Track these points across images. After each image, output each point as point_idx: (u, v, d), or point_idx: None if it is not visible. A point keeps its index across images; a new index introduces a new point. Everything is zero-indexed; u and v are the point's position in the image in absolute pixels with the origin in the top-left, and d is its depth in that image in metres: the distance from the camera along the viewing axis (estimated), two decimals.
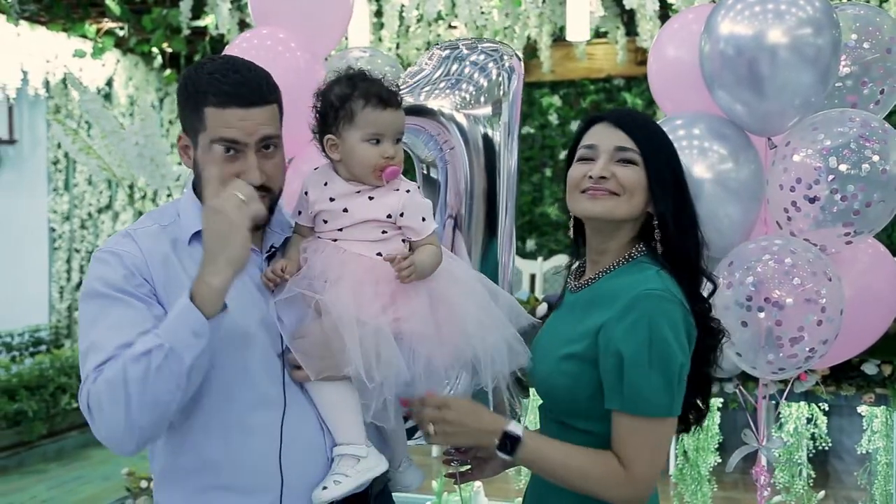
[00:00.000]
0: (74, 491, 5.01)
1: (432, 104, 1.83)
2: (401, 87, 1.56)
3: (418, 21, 5.39)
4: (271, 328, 1.48)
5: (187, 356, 1.33)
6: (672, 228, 1.49)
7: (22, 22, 5.58)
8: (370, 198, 1.49)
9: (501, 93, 1.85)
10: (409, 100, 1.77)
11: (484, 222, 1.87)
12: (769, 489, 3.30)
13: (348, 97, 1.48)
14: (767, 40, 1.90)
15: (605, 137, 1.50)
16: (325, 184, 1.52)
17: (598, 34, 5.84)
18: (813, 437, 3.21)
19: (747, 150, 2.07)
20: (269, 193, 1.49)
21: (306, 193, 1.53)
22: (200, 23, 5.36)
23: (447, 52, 1.88)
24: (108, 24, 5.89)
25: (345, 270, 1.46)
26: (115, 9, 5.23)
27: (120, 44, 6.19)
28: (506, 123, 1.85)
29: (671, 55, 2.31)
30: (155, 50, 6.02)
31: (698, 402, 1.56)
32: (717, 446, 3.17)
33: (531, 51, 5.85)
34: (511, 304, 1.62)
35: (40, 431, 5.75)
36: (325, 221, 1.51)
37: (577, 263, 1.65)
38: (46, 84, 6.20)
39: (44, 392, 5.86)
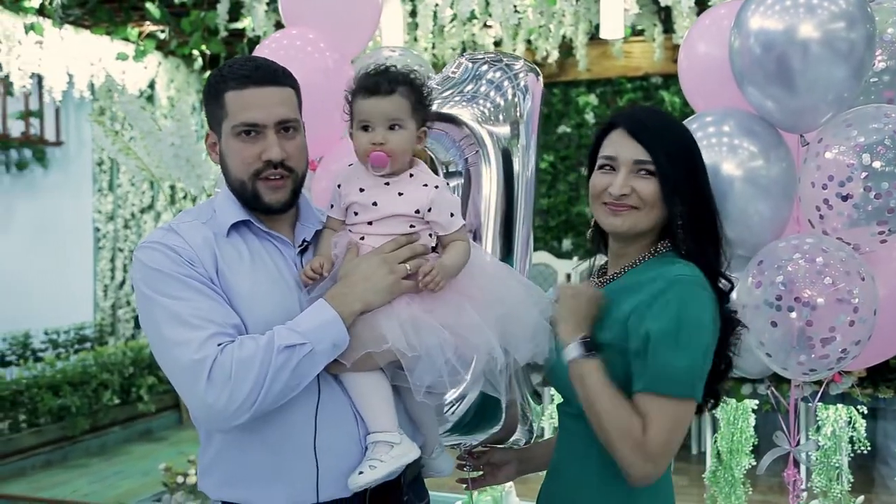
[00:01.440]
0: (114, 485, 5.12)
1: (454, 112, 1.85)
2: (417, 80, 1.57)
3: (452, 21, 5.39)
4: None
5: (321, 363, 1.45)
6: (689, 231, 1.53)
7: (67, 26, 5.70)
8: (399, 193, 1.53)
9: (518, 114, 1.87)
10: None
11: (501, 238, 1.89)
12: (806, 492, 3.24)
13: (352, 91, 1.55)
14: (799, 35, 1.87)
15: (623, 149, 1.54)
16: (357, 177, 1.56)
17: (635, 32, 5.79)
18: (851, 441, 3.13)
19: (778, 147, 2.04)
20: (292, 174, 1.55)
21: (339, 186, 1.58)
22: (238, 25, 5.42)
23: (470, 64, 1.89)
24: (149, 27, 6.00)
25: None
26: (155, 12, 5.32)
27: (161, 46, 6.30)
28: (524, 146, 1.88)
29: (702, 51, 2.28)
30: (195, 52, 6.11)
31: (716, 387, 1.57)
32: (751, 448, 3.11)
33: (567, 49, 5.82)
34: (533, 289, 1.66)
35: (83, 427, 5.88)
36: (356, 213, 1.55)
37: (600, 263, 1.67)
38: (91, 87, 6.34)
39: (87, 388, 5.99)
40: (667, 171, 1.51)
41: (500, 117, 1.85)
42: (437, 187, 1.54)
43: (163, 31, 5.98)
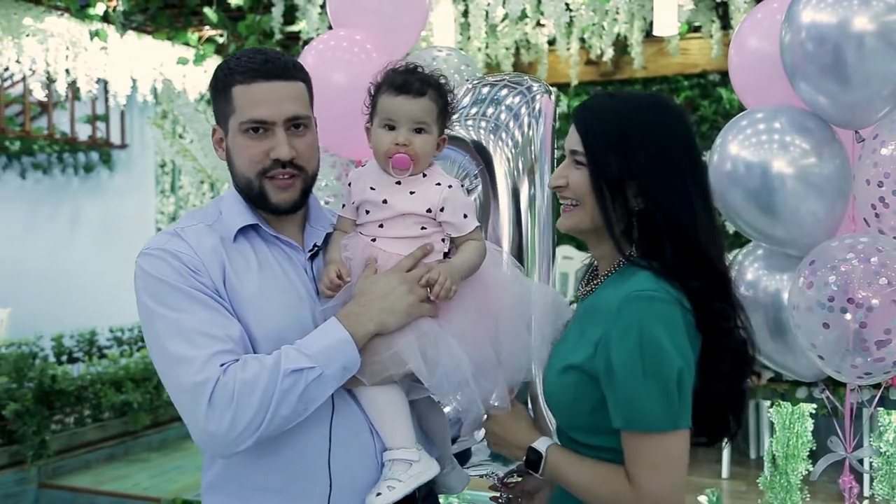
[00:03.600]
0: (173, 480, 5.23)
1: (466, 135, 1.92)
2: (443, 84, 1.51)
3: (503, 20, 5.37)
4: None
5: (331, 387, 1.38)
6: (643, 230, 1.38)
7: (130, 32, 5.86)
8: (411, 192, 1.47)
9: (532, 151, 1.94)
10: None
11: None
12: (868, 500, 3.13)
13: (377, 85, 1.50)
14: (853, 28, 1.81)
15: (568, 138, 1.45)
16: (369, 175, 1.51)
17: (692, 28, 5.69)
18: None
19: (832, 143, 1.98)
20: (301, 173, 1.48)
21: (350, 185, 1.53)
22: (293, 28, 5.50)
23: (486, 89, 1.95)
24: (208, 31, 6.12)
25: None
26: (213, 17, 5.43)
27: (220, 51, 6.42)
28: (538, 166, 1.94)
29: (753, 46, 2.23)
30: None
31: (728, 416, 1.43)
32: (808, 453, 3.02)
33: (622, 47, 5.75)
34: (552, 297, 1.59)
35: (144, 422, 6.02)
36: (368, 212, 1.50)
37: (588, 269, 1.57)
38: (154, 91, 6.50)
39: (148, 385, 6.13)
40: (597, 160, 1.37)
41: (516, 149, 1.93)
42: (450, 187, 1.47)
43: (221, 36, 6.10)
